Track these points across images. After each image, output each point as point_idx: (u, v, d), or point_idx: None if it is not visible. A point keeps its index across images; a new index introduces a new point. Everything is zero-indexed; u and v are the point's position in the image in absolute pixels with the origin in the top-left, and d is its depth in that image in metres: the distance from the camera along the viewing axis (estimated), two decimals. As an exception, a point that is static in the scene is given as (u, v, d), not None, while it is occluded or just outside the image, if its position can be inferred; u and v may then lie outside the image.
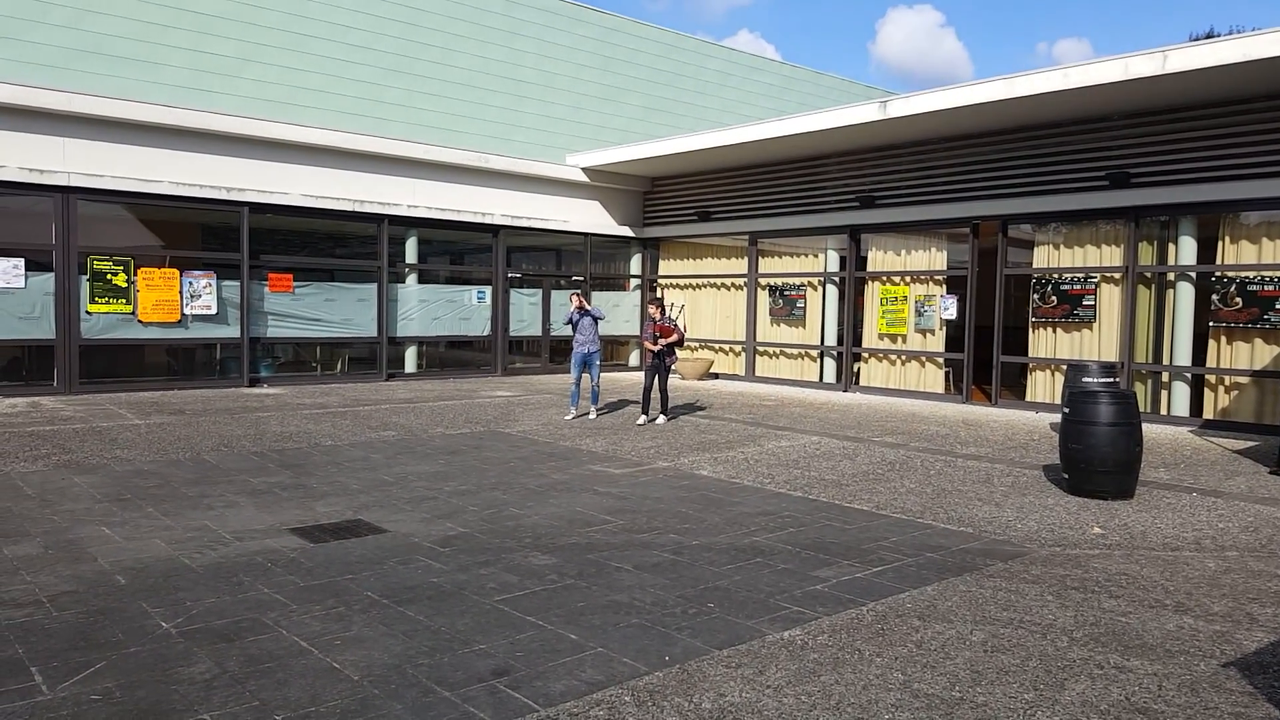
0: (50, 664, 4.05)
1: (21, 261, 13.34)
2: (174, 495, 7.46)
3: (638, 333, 20.51)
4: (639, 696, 3.82)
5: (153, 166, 14.44)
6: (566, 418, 12.43)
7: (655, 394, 12.65)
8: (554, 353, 19.80)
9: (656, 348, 12.10)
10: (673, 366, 12.44)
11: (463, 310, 18.38)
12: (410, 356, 17.90)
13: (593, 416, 12.52)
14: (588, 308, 12.47)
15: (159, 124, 14.39)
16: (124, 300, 14.14)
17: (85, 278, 13.81)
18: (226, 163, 15.20)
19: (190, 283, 14.72)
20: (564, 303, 18.64)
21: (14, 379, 13.95)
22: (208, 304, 14.88)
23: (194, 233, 16.21)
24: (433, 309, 17.93)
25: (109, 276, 14.00)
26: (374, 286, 17.01)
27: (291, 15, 16.79)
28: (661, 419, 12.16)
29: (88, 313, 13.85)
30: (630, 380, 17.84)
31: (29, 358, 14.06)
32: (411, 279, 17.75)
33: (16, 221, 13.79)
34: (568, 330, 12.79)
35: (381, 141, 16.90)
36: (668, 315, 12.70)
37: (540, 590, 5.20)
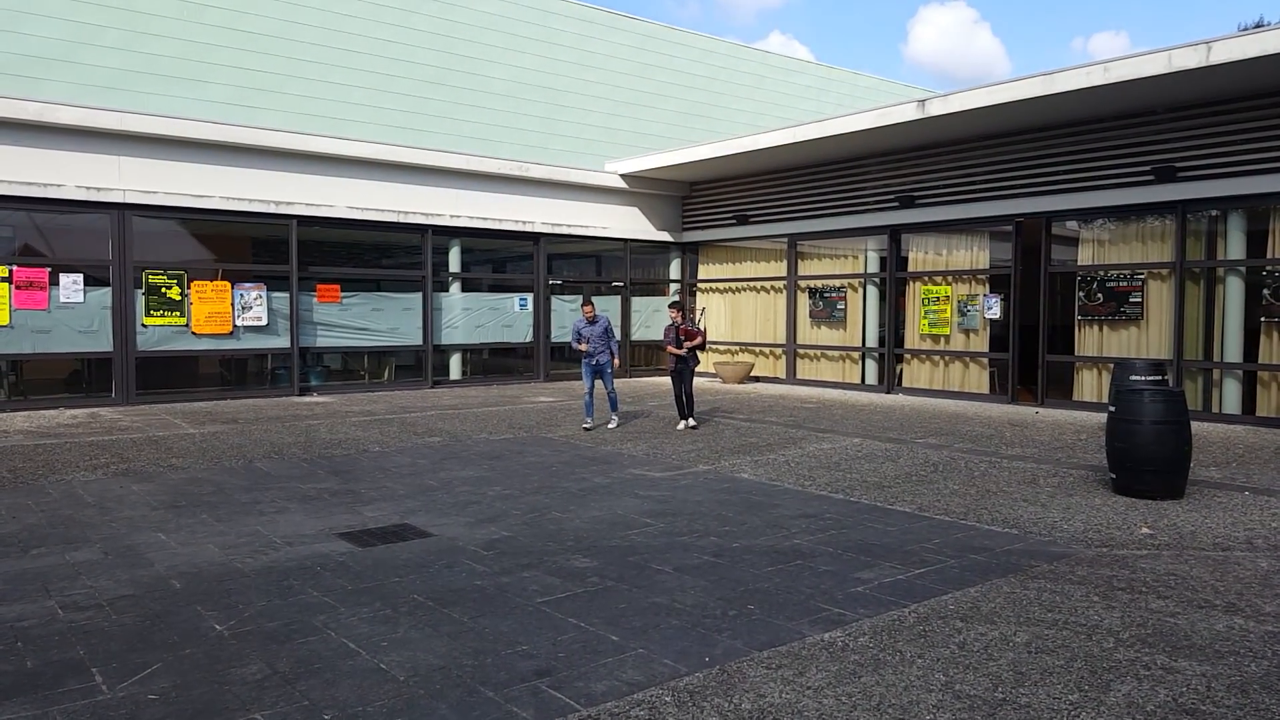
0: (110, 665, 4.20)
1: (80, 277, 13.77)
2: (227, 502, 7.66)
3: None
4: (679, 697, 3.86)
5: (204, 182, 14.81)
6: (584, 427, 12.06)
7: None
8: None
9: (681, 351, 12.08)
10: (695, 369, 12.37)
11: (505, 317, 18.57)
12: (455, 364, 18.12)
13: (612, 425, 12.21)
14: (596, 315, 12.22)
15: (209, 141, 14.76)
16: (178, 313, 14.52)
17: (141, 292, 14.21)
18: (275, 177, 15.54)
19: (241, 295, 15.07)
20: (605, 309, 18.73)
21: (74, 391, 14.39)
22: (258, 315, 15.22)
23: (244, 246, 16.61)
24: (476, 317, 18.14)
25: (163, 290, 14.39)
26: (419, 295, 17.26)
27: (332, 31, 17.16)
28: (691, 422, 12.16)
29: (143, 326, 14.25)
30: (670, 384, 17.87)
31: (88, 370, 14.50)
32: (455, 288, 17.97)
33: (75, 238, 14.25)
34: (579, 343, 12.23)
35: (424, 153, 17.16)
36: (690, 319, 12.61)
37: (582, 592, 5.27)
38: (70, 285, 13.67)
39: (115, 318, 14.01)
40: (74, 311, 13.71)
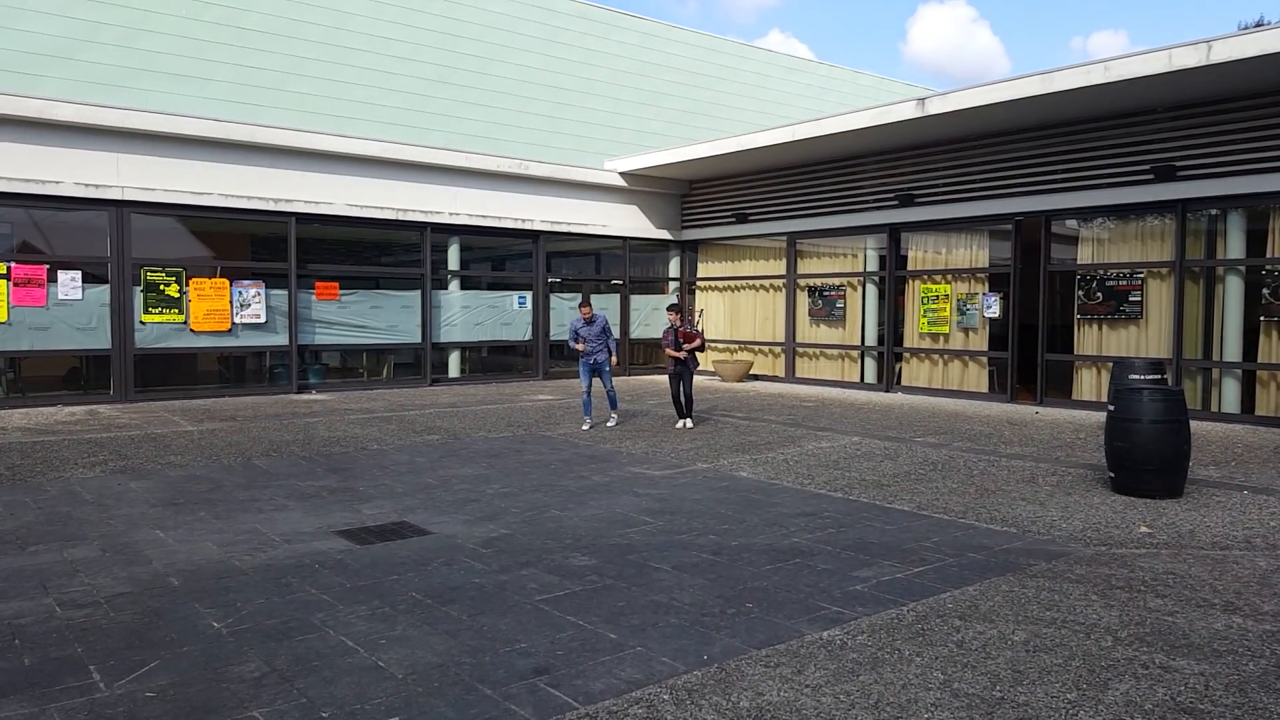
0: (107, 662, 4.19)
1: (79, 274, 13.75)
2: (225, 499, 7.66)
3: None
4: (677, 695, 3.86)
5: (203, 179, 14.79)
6: (584, 428, 11.91)
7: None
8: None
9: (681, 354, 12.05)
10: (695, 369, 12.33)
11: (504, 315, 18.56)
12: (454, 361, 18.11)
13: (611, 424, 12.13)
14: (594, 315, 12.12)
15: (208, 138, 14.74)
16: (176, 310, 14.50)
17: (139, 289, 14.19)
18: (274, 174, 15.51)
19: (240, 292, 15.05)
20: (604, 307, 18.72)
21: (73, 388, 14.37)
22: (257, 313, 15.21)
23: (243, 243, 16.60)
24: (475, 314, 18.13)
25: (162, 287, 14.37)
26: (418, 293, 17.25)
27: (334, 29, 17.14)
28: (689, 423, 12.10)
29: (142, 323, 14.23)
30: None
31: (87, 367, 14.49)
32: (454, 285, 17.96)
33: (73, 235, 14.24)
34: (577, 343, 12.07)
35: (424, 150, 17.14)
36: (688, 320, 12.53)
37: (580, 590, 5.26)
38: (68, 282, 13.65)
39: (113, 315, 14.00)
40: (72, 308, 13.69)
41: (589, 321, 12.08)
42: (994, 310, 15.25)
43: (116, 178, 14.04)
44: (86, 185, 13.71)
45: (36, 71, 14.17)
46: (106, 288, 13.98)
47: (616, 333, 19.16)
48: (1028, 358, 15.11)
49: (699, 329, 12.67)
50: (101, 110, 13.82)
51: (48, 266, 13.55)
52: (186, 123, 14.55)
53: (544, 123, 19.89)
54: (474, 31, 18.90)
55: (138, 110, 14.21)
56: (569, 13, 20.32)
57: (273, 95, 16.40)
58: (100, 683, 3.97)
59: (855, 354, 17.62)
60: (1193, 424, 8.47)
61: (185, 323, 14.59)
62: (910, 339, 16.62)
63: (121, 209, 14.07)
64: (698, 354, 12.33)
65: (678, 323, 12.14)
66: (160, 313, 14.36)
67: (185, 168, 14.64)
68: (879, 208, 16.85)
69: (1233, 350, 12.67)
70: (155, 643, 4.44)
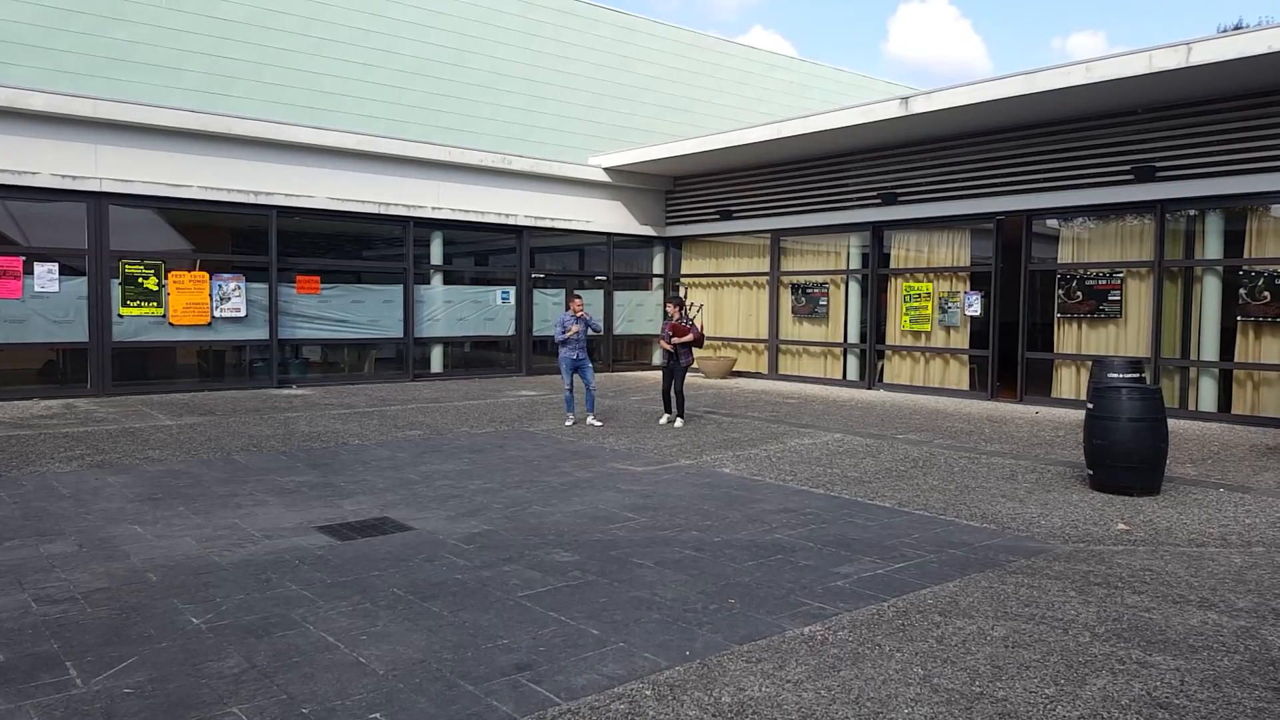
0: (84, 658, 4.15)
1: (55, 266, 13.59)
2: (204, 494, 7.60)
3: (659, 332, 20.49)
4: (659, 690, 3.86)
5: (182, 171, 14.63)
6: (567, 424, 11.85)
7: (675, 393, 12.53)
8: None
9: (670, 347, 12.01)
10: (689, 367, 12.22)
11: (487, 310, 18.50)
12: (436, 357, 18.04)
13: (590, 421, 11.91)
14: (582, 315, 11.97)
15: (188, 129, 14.57)
16: (155, 303, 14.36)
17: (117, 281, 14.04)
18: (255, 167, 15.38)
19: (220, 285, 14.92)
20: (588, 303, 18.65)
21: (49, 382, 14.20)
22: (237, 306, 15.08)
23: (223, 236, 16.43)
24: (457, 309, 18.06)
25: (140, 280, 14.23)
26: (400, 288, 17.16)
27: (309, 20, 17.01)
28: (679, 421, 12.02)
29: (120, 316, 14.08)
30: (654, 378, 17.87)
31: (64, 360, 14.32)
32: (436, 280, 17.88)
33: (50, 227, 14.05)
34: (564, 335, 11.93)
35: (406, 144, 17.04)
36: (685, 315, 12.48)
37: (563, 586, 5.26)
38: (45, 274, 13.49)
39: (91, 308, 13.84)
40: (48, 301, 13.54)
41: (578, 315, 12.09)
42: (975, 308, 15.34)
43: (95, 169, 13.87)
44: (64, 176, 13.53)
45: (7, 60, 13.97)
46: (84, 280, 13.82)
47: (601, 328, 19.11)
48: (1008, 356, 15.21)
49: (695, 323, 12.61)
50: (76, 100, 13.63)
51: (23, 258, 13.38)
52: (165, 114, 14.39)
53: (521, 115, 19.82)
54: (451, 24, 18.81)
55: (113, 100, 14.02)
56: (548, 5, 20.26)
57: (247, 86, 16.25)
58: (77, 679, 3.93)
59: (838, 351, 17.69)
60: (1170, 422, 8.56)
61: (164, 316, 14.45)
62: (892, 336, 16.70)
63: (99, 200, 13.91)
64: (693, 350, 12.24)
65: (674, 315, 12.13)
66: (139, 306, 14.22)
67: (164, 159, 14.47)
68: (862, 206, 16.91)
69: (1210, 350, 12.81)
70: (133, 639, 4.40)
